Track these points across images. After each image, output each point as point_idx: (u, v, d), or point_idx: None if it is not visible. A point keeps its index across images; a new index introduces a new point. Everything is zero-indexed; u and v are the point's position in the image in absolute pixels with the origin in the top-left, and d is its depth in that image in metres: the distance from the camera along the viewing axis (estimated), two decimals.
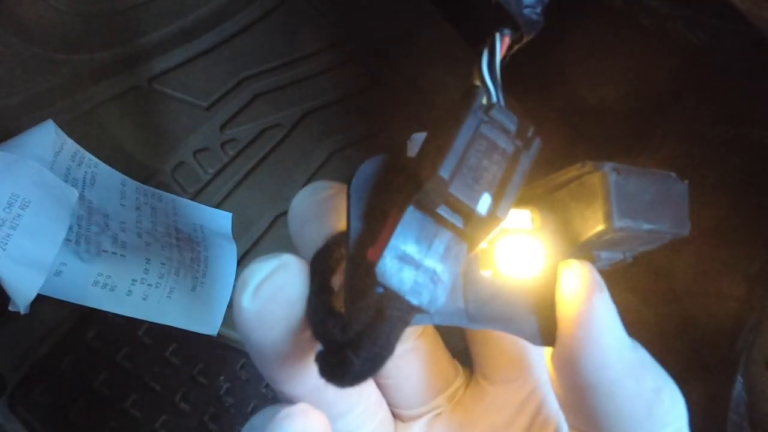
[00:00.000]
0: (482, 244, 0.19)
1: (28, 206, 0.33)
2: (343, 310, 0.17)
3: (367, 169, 0.18)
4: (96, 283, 0.38)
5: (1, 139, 0.38)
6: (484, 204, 0.16)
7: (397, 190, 0.17)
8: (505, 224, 0.19)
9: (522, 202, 0.21)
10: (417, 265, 0.16)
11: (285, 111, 0.53)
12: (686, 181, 0.20)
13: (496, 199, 0.16)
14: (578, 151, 0.49)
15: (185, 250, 0.44)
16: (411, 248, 0.16)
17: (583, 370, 0.18)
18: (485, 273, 0.21)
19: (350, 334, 0.16)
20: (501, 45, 0.18)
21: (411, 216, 0.16)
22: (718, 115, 0.40)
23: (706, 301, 0.31)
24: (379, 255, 0.16)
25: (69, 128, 0.43)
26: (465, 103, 0.17)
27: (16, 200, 0.32)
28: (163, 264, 0.42)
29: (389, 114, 0.55)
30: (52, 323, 0.39)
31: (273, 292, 0.17)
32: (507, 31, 0.18)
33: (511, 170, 0.17)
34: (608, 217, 0.19)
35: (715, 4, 0.21)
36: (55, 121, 0.41)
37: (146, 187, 0.46)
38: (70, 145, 0.41)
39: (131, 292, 0.40)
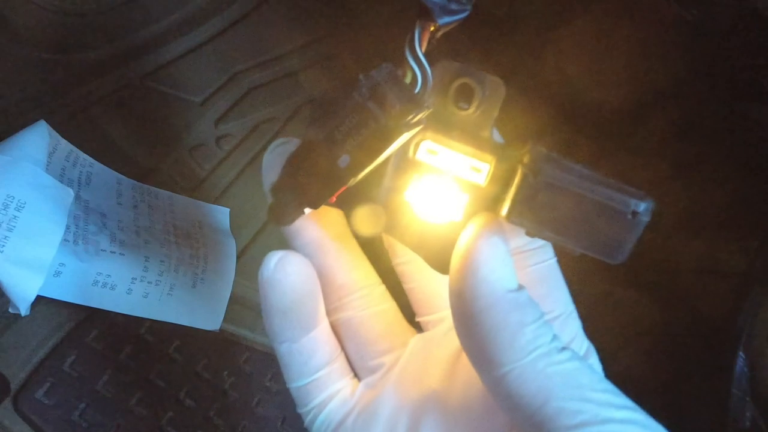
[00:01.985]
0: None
1: (24, 208, 0.33)
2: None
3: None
4: (96, 282, 0.38)
5: None
6: (343, 161, 0.22)
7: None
8: (459, 172, 0.24)
9: (493, 153, 0.24)
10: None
11: (279, 104, 0.53)
12: (643, 218, 0.20)
13: (354, 161, 0.22)
14: (575, 129, 0.49)
15: (184, 247, 0.44)
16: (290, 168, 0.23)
17: (460, 298, 0.22)
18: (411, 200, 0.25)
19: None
20: (422, 34, 0.22)
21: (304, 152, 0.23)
22: (714, 93, 0.40)
23: (706, 277, 0.32)
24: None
25: (63, 128, 0.42)
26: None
27: (12, 202, 0.32)
28: (163, 261, 0.42)
29: None
30: (53, 324, 0.39)
31: (284, 267, 0.25)
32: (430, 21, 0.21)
33: (381, 140, 0.21)
34: (509, 211, 0.22)
35: None
36: (48, 121, 0.41)
37: (142, 185, 0.45)
38: (64, 145, 0.41)
39: (131, 290, 0.40)
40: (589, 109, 0.48)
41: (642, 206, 0.21)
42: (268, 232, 0.49)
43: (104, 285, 0.39)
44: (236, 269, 0.46)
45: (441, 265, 0.25)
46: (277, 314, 0.26)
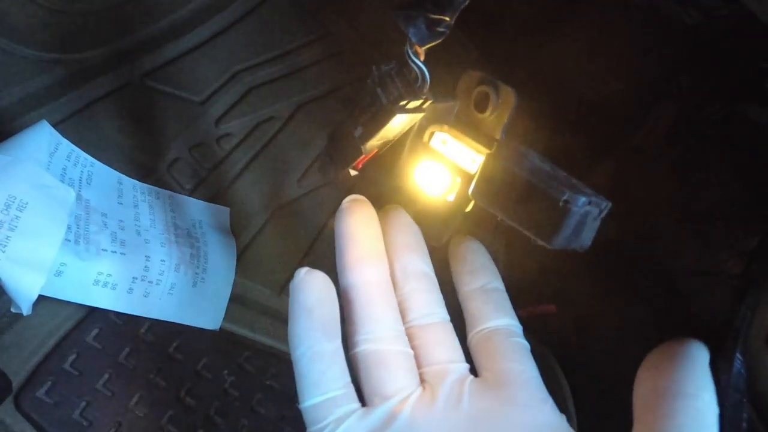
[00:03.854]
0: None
1: (25, 207, 0.33)
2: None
3: None
4: (96, 282, 0.38)
5: None
6: (357, 131, 0.28)
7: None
8: (459, 160, 0.31)
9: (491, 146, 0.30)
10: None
11: (279, 104, 0.53)
12: (574, 208, 0.23)
13: (365, 131, 0.28)
14: (572, 128, 0.49)
15: (184, 246, 0.44)
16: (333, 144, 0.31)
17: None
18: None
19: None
20: (413, 47, 0.26)
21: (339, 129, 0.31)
22: (712, 93, 0.40)
23: (704, 279, 0.32)
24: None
25: (63, 128, 0.42)
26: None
27: (14, 202, 0.32)
28: (163, 261, 0.42)
29: None
30: (54, 323, 0.39)
31: (311, 273, 0.29)
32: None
33: (383, 116, 0.27)
34: (473, 188, 0.27)
35: None
36: (48, 120, 0.41)
37: (143, 184, 0.46)
38: (65, 144, 0.41)
39: (132, 289, 0.40)
40: (586, 108, 0.48)
41: (578, 200, 0.24)
42: (269, 232, 0.50)
43: (105, 284, 0.39)
44: (236, 269, 0.46)
45: (434, 236, 0.32)
46: (303, 312, 0.28)
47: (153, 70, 0.49)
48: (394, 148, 0.32)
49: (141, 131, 0.48)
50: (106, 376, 0.40)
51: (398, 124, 0.28)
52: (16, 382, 0.36)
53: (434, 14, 0.24)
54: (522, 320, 0.31)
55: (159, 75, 0.50)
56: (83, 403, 0.38)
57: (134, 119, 0.47)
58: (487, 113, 0.30)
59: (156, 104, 0.49)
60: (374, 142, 0.28)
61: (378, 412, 0.28)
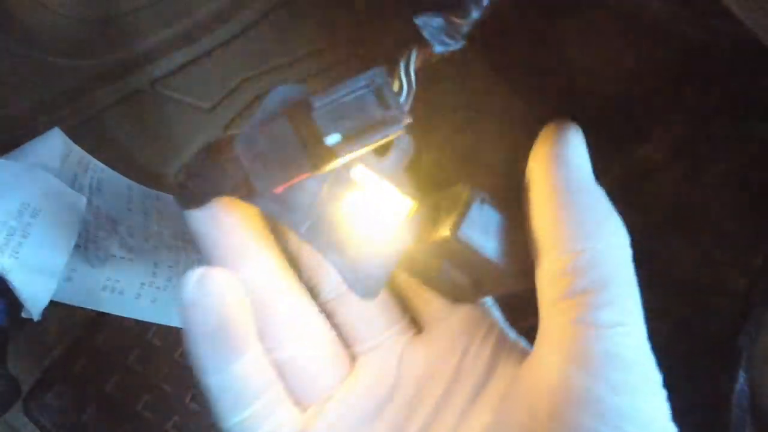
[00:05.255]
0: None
1: (38, 214, 0.33)
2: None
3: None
4: (105, 287, 0.39)
5: (6, 146, 0.38)
6: (333, 138, 0.21)
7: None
8: (383, 204, 0.25)
9: (413, 197, 0.26)
10: (263, 152, 0.21)
11: None
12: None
13: (345, 143, 0.21)
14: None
15: (192, 253, 0.44)
16: (263, 143, 0.21)
17: (553, 176, 0.24)
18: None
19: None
20: (418, 56, 0.23)
21: (279, 123, 0.21)
22: (718, 109, 0.41)
23: (708, 296, 0.32)
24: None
25: (73, 134, 0.43)
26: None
27: (27, 209, 0.33)
28: (171, 267, 0.42)
29: None
30: (63, 328, 0.39)
31: (207, 285, 0.23)
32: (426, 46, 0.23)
33: (369, 131, 0.21)
34: (455, 227, 0.23)
35: (716, 6, 0.22)
36: (59, 127, 0.41)
37: (152, 190, 0.46)
38: (77, 151, 0.41)
39: (140, 295, 0.40)
40: (589, 124, 0.48)
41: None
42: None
43: (113, 290, 0.39)
44: None
45: (365, 287, 0.25)
46: (204, 340, 0.23)
47: (163, 76, 0.50)
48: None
49: (151, 137, 0.48)
50: (114, 380, 0.40)
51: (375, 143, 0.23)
52: (24, 386, 0.37)
53: (455, 17, 0.23)
54: (527, 332, 0.31)
55: (169, 82, 0.50)
56: (91, 408, 0.39)
57: (144, 125, 0.48)
58: (385, 158, 0.26)
59: (165, 111, 0.49)
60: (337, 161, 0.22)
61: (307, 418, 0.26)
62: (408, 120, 0.22)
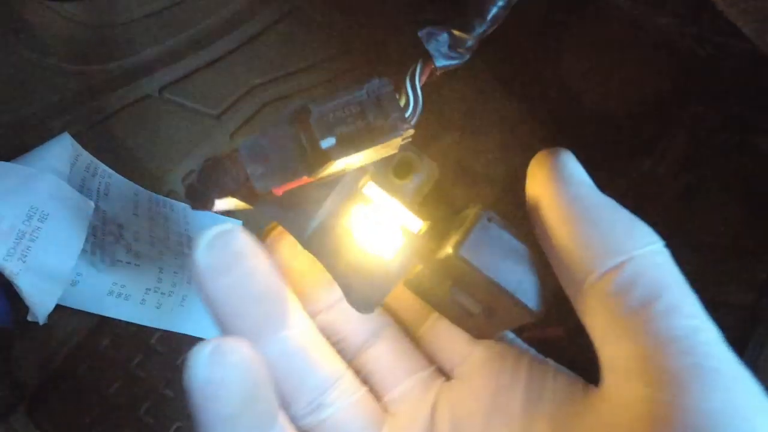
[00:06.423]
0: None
1: (46, 219, 0.33)
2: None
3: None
4: (111, 292, 0.39)
5: (15, 151, 0.39)
6: (328, 142, 0.21)
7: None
8: (398, 216, 0.26)
9: (427, 218, 0.26)
10: (264, 154, 0.22)
11: None
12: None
13: (339, 146, 0.21)
14: (580, 158, 0.49)
15: None
16: (265, 145, 0.22)
17: (562, 199, 0.23)
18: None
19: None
20: (423, 70, 0.24)
21: (281, 129, 0.22)
22: (724, 122, 0.41)
23: (712, 311, 0.32)
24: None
25: (82, 139, 0.43)
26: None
27: (35, 213, 0.33)
28: (176, 272, 0.42)
29: None
30: (67, 332, 0.39)
31: (223, 360, 0.20)
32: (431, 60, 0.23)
33: (366, 136, 0.21)
34: (458, 244, 0.23)
35: (723, 23, 0.22)
36: (68, 131, 0.42)
37: (159, 196, 0.46)
38: (85, 156, 0.42)
39: (145, 300, 0.41)
40: (594, 137, 0.48)
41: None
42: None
43: (119, 295, 0.39)
44: None
45: (363, 301, 0.25)
46: (224, 425, 0.20)
47: (171, 83, 0.50)
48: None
49: (158, 143, 0.48)
50: (117, 385, 0.40)
51: (374, 151, 0.23)
52: (28, 390, 0.37)
53: (460, 31, 0.23)
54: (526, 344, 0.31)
55: (177, 88, 0.50)
56: (94, 412, 0.39)
57: (152, 131, 0.48)
58: (407, 181, 0.27)
59: (173, 117, 0.50)
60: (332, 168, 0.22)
61: None
62: (410, 130, 0.22)
